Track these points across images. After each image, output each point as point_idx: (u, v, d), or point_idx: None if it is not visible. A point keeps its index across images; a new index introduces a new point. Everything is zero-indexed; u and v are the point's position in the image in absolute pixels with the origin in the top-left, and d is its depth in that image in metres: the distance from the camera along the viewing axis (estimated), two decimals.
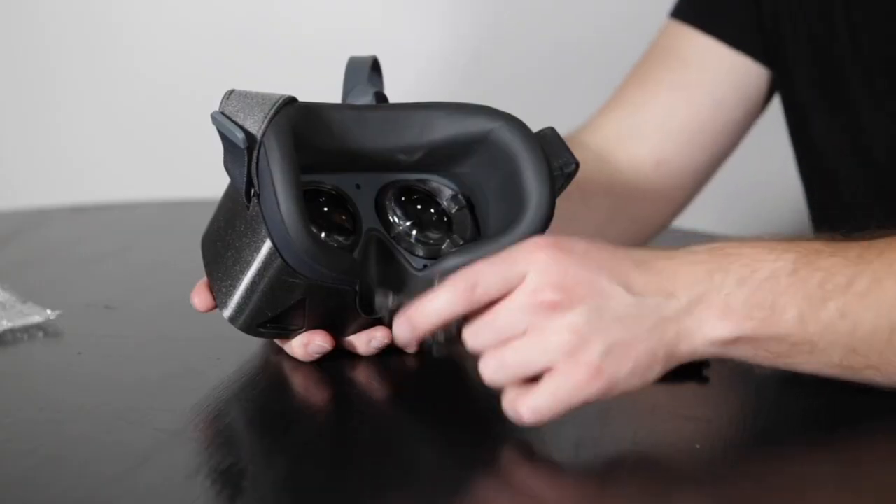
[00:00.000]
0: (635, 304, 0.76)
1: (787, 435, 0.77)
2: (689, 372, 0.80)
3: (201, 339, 0.91)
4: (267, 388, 0.84)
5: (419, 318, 0.77)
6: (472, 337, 0.77)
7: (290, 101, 0.82)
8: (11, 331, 0.93)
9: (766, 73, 1.15)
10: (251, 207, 0.81)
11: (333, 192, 0.85)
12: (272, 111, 0.80)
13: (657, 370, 0.76)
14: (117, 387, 0.84)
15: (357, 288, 0.82)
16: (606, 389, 0.75)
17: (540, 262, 0.76)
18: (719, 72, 1.14)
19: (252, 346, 0.88)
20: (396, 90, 0.97)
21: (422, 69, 1.87)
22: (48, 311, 0.95)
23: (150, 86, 1.96)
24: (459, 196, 0.88)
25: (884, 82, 1.07)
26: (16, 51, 1.98)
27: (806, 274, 0.78)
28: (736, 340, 0.77)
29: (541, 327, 0.75)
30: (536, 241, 0.77)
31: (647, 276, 0.77)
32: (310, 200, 0.83)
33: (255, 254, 0.81)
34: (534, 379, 0.75)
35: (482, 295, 0.76)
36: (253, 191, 0.80)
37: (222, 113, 0.81)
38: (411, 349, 0.86)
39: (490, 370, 0.76)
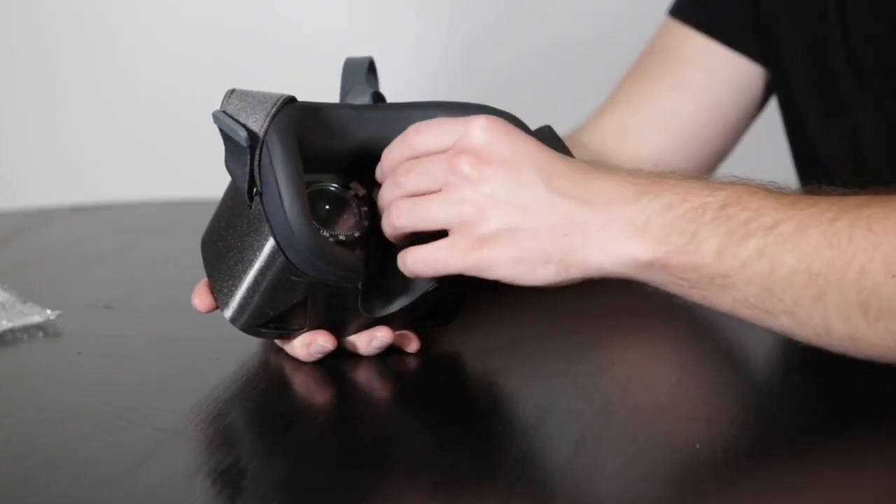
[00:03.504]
0: (547, 199, 0.79)
1: (788, 435, 0.77)
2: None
3: (201, 339, 0.91)
4: (267, 388, 0.84)
5: (384, 164, 0.84)
6: (402, 176, 0.82)
7: (290, 100, 0.82)
8: (11, 331, 0.93)
9: (764, 73, 1.14)
10: (253, 206, 0.81)
11: (334, 192, 0.85)
12: (274, 109, 0.80)
13: (550, 271, 0.80)
14: (117, 387, 0.84)
15: (359, 286, 0.82)
16: (482, 266, 0.80)
17: (474, 130, 0.80)
18: (718, 72, 1.14)
19: (252, 346, 0.88)
20: (395, 90, 0.97)
21: (421, 69, 1.87)
22: (48, 311, 0.95)
23: (150, 86, 1.96)
24: None
25: (880, 84, 1.07)
26: (16, 51, 1.98)
27: (734, 211, 0.79)
28: (649, 264, 0.79)
29: (451, 190, 0.80)
30: (486, 115, 0.82)
31: (574, 181, 0.80)
32: (310, 199, 0.83)
33: (257, 253, 0.81)
34: (430, 236, 0.81)
35: (419, 144, 0.82)
36: (255, 189, 0.81)
37: (224, 112, 0.81)
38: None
39: (400, 212, 0.81)
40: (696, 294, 0.80)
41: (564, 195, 0.79)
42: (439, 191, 0.81)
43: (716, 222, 0.78)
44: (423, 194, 0.81)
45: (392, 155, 0.83)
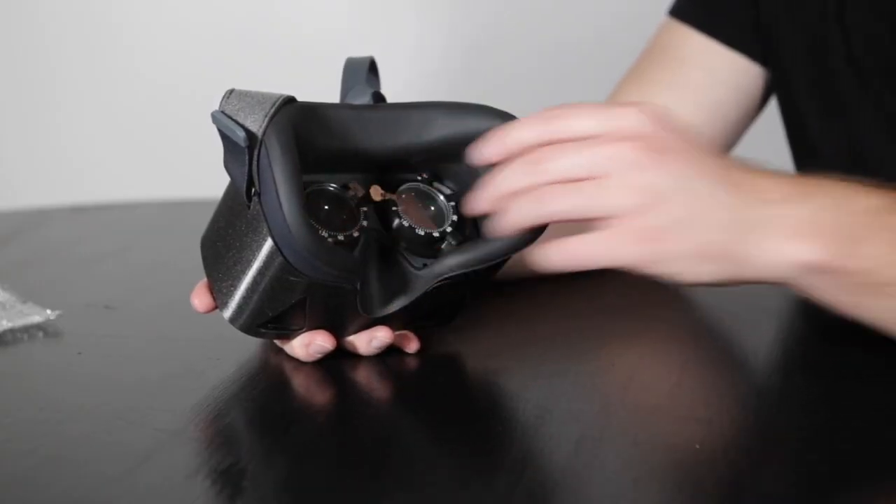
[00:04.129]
0: (725, 190, 0.73)
1: (789, 436, 0.77)
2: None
3: (201, 339, 0.91)
4: (267, 388, 0.84)
5: (502, 136, 0.77)
6: (547, 161, 0.74)
7: (290, 100, 0.82)
8: (11, 331, 0.93)
9: (764, 73, 1.15)
10: (252, 206, 0.81)
11: (333, 192, 0.85)
12: (273, 110, 0.80)
13: (712, 268, 0.74)
14: (117, 387, 0.84)
15: (358, 287, 0.82)
16: (650, 260, 0.73)
17: (641, 115, 0.74)
18: (718, 72, 1.14)
19: (252, 346, 0.88)
20: (395, 90, 0.97)
21: (421, 69, 1.87)
22: (48, 311, 0.95)
23: (150, 86, 1.96)
24: (458, 195, 0.88)
25: (880, 84, 1.07)
26: (16, 51, 1.98)
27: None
28: (817, 267, 0.74)
29: (619, 177, 0.73)
30: (639, 104, 0.75)
31: (743, 175, 0.75)
32: (309, 200, 0.83)
33: (256, 253, 0.81)
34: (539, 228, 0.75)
35: (563, 128, 0.74)
36: (253, 190, 0.81)
37: (223, 112, 0.81)
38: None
39: (554, 198, 0.74)
40: (848, 302, 0.76)
41: (738, 190, 0.74)
42: (590, 179, 0.74)
43: (877, 226, 0.76)
44: (572, 181, 0.74)
45: (524, 136, 0.76)
